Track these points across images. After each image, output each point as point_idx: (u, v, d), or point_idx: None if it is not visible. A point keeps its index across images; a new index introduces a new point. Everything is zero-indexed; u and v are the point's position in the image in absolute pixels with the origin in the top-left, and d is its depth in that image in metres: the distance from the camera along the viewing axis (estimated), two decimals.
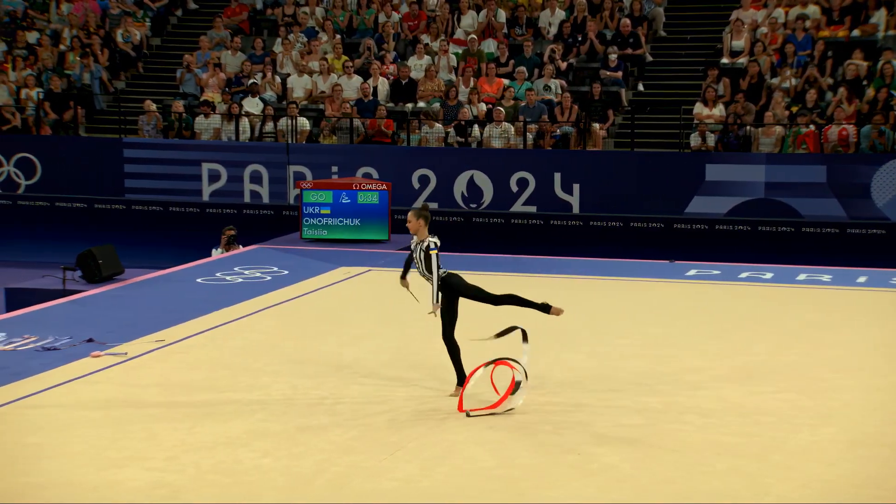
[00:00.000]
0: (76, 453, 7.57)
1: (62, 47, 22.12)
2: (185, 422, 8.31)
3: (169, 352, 10.42)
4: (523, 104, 19.32)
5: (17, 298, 13.63)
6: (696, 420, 8.54)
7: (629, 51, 20.37)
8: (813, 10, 19.92)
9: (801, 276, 14.47)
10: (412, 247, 9.17)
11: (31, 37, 22.43)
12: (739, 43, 19.84)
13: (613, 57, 19.96)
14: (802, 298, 13.34)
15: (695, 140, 18.56)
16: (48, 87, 20.96)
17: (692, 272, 14.78)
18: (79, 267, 13.86)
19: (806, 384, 9.55)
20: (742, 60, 19.54)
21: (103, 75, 21.51)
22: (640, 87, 20.33)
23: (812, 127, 17.98)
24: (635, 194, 18.15)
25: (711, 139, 18.50)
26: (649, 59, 20.67)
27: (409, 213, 9.16)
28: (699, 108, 18.84)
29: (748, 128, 18.40)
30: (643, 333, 11.40)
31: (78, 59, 21.45)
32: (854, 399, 9.14)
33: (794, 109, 18.43)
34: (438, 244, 8.99)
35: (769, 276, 14.51)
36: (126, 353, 10.20)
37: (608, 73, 19.87)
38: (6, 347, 10.28)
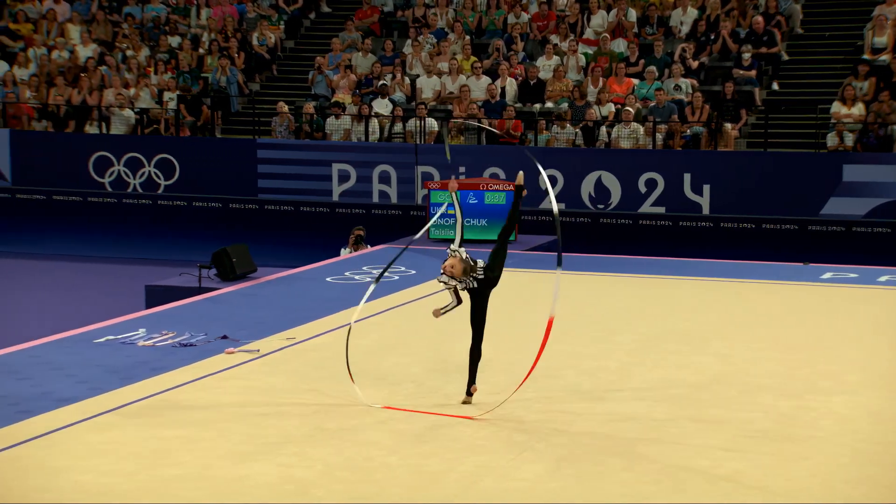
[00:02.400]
0: (210, 447, 7.78)
1: (201, 51, 22.77)
2: (315, 418, 8.46)
3: (299, 349, 10.62)
4: (652, 104, 19.09)
5: (156, 295, 14.06)
6: (830, 426, 8.31)
7: (764, 49, 19.93)
8: None
9: None
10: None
11: (174, 41, 23.15)
12: (882, 39, 19.20)
13: (747, 55, 19.55)
14: None
15: (832, 140, 18.05)
16: (189, 89, 21.57)
17: (827, 275, 14.38)
18: (214, 265, 14.23)
19: None
20: (884, 57, 18.90)
21: (239, 78, 22.06)
22: (775, 86, 19.86)
23: None
24: (768, 195, 17.74)
25: (850, 139, 17.95)
26: (785, 57, 20.18)
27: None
28: (837, 107, 18.30)
29: (890, 127, 17.80)
30: (775, 337, 11.14)
31: (216, 62, 22.05)
32: None
33: None
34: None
35: None
36: (258, 350, 10.44)
37: (741, 71, 19.47)
38: (146, 343, 10.64)
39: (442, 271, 8.81)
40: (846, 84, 18.45)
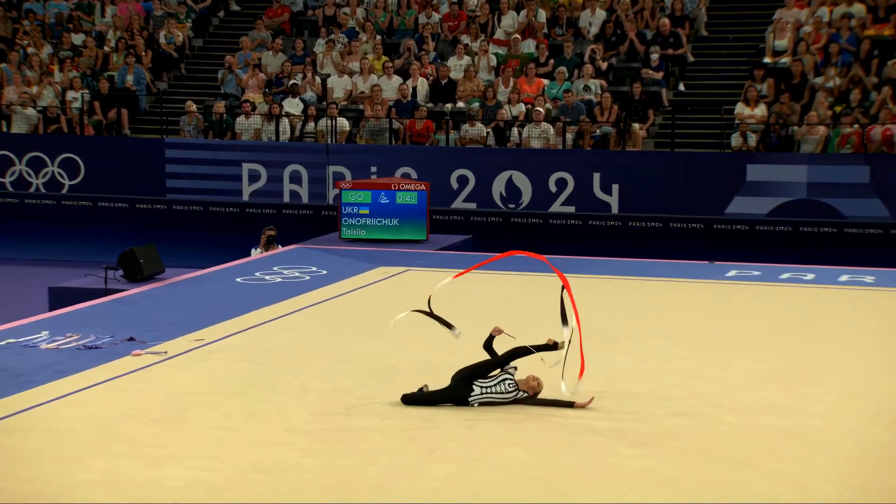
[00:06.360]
0: (119, 451, 7.63)
1: (107, 49, 22.33)
2: (225, 421, 8.35)
3: (208, 351, 10.48)
4: (561, 104, 19.27)
5: (60, 297, 13.77)
6: (735, 421, 8.47)
7: (670, 51, 20.25)
8: (858, 8, 19.68)
9: (844, 278, 14.32)
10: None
11: (77, 38, 22.65)
12: (782, 42, 19.67)
13: (655, 57, 19.85)
14: (845, 300, 13.19)
15: (736, 140, 18.43)
16: (94, 88, 21.16)
17: (732, 273, 14.67)
18: (120, 266, 13.98)
19: (853, 385, 9.45)
20: (785, 60, 19.36)
21: (147, 76, 21.69)
22: (681, 87, 20.20)
23: (856, 127, 17.78)
24: (675, 195, 18.04)
25: (753, 139, 18.35)
26: (691, 59, 20.53)
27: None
28: (740, 108, 18.69)
29: (790, 128, 18.23)
30: (683, 335, 11.33)
31: (122, 60, 21.64)
32: None
33: (838, 109, 18.23)
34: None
35: (811, 277, 14.37)
36: (166, 352, 10.28)
37: (649, 72, 19.76)
38: (50, 346, 10.39)
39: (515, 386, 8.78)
40: (748, 85, 18.85)
